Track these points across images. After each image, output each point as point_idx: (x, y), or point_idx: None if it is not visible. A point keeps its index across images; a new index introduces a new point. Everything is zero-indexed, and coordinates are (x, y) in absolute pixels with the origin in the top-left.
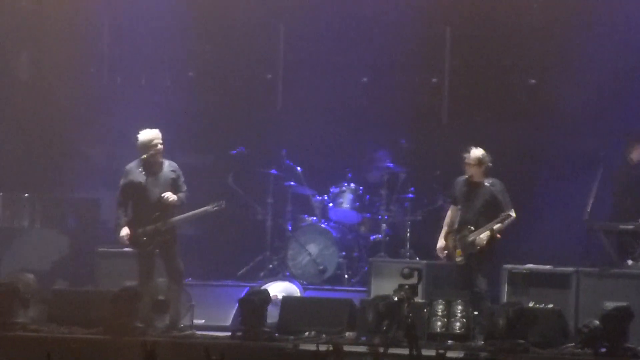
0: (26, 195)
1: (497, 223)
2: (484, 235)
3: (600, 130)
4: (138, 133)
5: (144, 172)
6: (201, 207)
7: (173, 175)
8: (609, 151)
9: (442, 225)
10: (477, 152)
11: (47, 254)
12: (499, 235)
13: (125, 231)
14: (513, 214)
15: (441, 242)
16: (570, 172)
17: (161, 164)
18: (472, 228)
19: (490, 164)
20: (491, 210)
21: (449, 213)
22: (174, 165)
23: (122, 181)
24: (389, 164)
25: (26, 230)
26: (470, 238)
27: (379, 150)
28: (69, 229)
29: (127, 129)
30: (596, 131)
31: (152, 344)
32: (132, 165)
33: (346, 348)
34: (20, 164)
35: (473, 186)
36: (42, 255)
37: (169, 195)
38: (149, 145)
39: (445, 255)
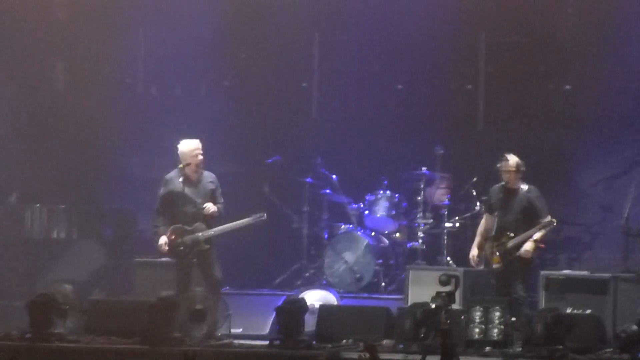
0: (63, 206)
1: (539, 229)
2: (529, 247)
3: (637, 135)
4: (177, 143)
5: (183, 182)
6: (242, 219)
7: (212, 186)
8: None
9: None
10: (515, 158)
11: (84, 264)
12: (542, 245)
13: (163, 240)
14: (554, 220)
15: (474, 251)
16: (607, 178)
17: (200, 174)
18: (512, 234)
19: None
20: (529, 216)
21: (482, 222)
22: (213, 176)
23: (161, 190)
24: (425, 171)
25: (63, 241)
26: (510, 244)
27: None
28: (106, 240)
29: (162, 139)
30: (633, 136)
31: (193, 353)
32: (172, 175)
33: (383, 356)
34: (56, 175)
35: (510, 193)
36: (80, 266)
37: (210, 206)
38: (189, 155)
39: (477, 263)
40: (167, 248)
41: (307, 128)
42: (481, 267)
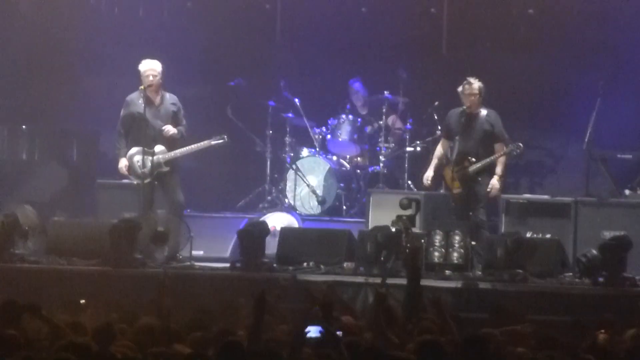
0: (24, 127)
1: (503, 155)
2: (497, 185)
3: (599, 61)
4: (137, 64)
5: (144, 104)
6: (203, 141)
7: (174, 108)
8: (608, 82)
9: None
10: (478, 82)
11: (46, 186)
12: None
13: (124, 162)
14: (520, 145)
15: (429, 172)
16: (569, 103)
17: (162, 96)
18: (473, 159)
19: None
20: (489, 141)
21: (439, 145)
22: (175, 98)
23: (122, 112)
24: (387, 95)
25: (25, 162)
26: (471, 169)
27: (354, 80)
28: (68, 161)
29: (125, 61)
30: (596, 61)
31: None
32: (133, 96)
33: (344, 279)
34: (18, 96)
35: (471, 117)
36: (42, 187)
37: (170, 129)
38: (143, 75)
39: (430, 185)
40: (126, 170)
41: (270, 51)
42: (433, 189)
